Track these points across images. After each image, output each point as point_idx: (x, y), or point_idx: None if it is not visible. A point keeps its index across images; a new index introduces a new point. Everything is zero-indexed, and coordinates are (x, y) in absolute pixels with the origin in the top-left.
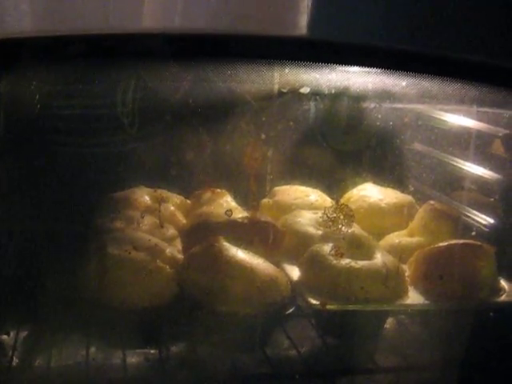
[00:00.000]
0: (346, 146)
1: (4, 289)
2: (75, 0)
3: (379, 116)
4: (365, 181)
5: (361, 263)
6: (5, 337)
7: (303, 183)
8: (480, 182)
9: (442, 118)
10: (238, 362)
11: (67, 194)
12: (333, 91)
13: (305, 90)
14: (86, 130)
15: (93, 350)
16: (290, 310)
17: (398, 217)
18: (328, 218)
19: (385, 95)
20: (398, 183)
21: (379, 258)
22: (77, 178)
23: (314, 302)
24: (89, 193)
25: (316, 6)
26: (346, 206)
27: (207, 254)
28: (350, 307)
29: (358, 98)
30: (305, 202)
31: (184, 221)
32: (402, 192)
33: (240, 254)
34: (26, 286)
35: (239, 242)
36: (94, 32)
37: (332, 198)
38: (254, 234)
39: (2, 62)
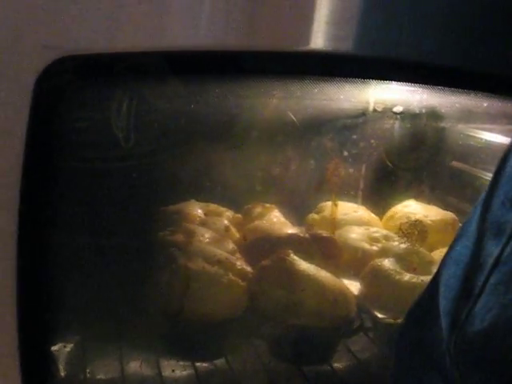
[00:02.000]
0: (409, 163)
1: (65, 298)
2: (80, 18)
3: (452, 135)
4: (408, 198)
5: (422, 278)
6: (60, 348)
7: (347, 199)
8: None
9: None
10: (306, 374)
11: (119, 208)
12: (420, 110)
13: (397, 109)
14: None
15: (163, 363)
16: (358, 324)
17: (443, 233)
18: (403, 233)
19: (464, 115)
20: (440, 200)
21: None
22: (123, 193)
23: (381, 315)
24: (140, 207)
25: (408, 29)
26: (421, 222)
27: (279, 268)
28: None
29: (440, 117)
30: (353, 218)
31: (237, 235)
32: (444, 209)
33: (311, 268)
34: (89, 298)
35: (300, 256)
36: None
37: (377, 215)
38: (315, 248)
39: None
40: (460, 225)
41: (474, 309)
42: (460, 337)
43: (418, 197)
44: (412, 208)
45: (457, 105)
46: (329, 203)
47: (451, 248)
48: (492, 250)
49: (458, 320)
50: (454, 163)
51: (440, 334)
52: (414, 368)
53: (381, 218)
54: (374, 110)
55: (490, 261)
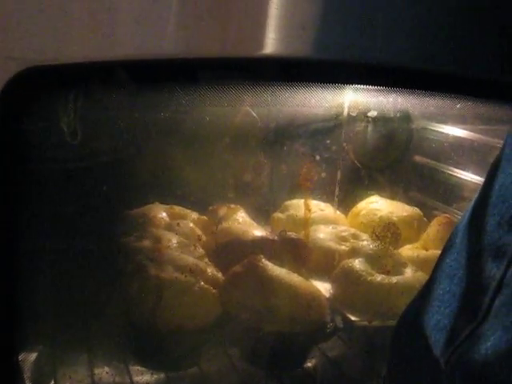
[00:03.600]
0: (377, 163)
1: (31, 306)
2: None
3: (423, 135)
4: (371, 194)
5: (396, 279)
6: (27, 357)
7: (312, 197)
8: None
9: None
10: (280, 380)
11: (81, 211)
12: (394, 114)
13: (372, 113)
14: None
15: (134, 369)
16: (331, 328)
17: (409, 230)
18: (376, 236)
19: (437, 117)
20: (404, 196)
21: (410, 273)
22: (84, 195)
23: (355, 318)
24: (103, 209)
25: (381, 32)
26: (394, 224)
27: (251, 274)
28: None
29: (413, 119)
30: (320, 216)
31: (204, 238)
32: (408, 204)
33: (283, 273)
34: (56, 305)
35: (270, 259)
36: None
37: (344, 213)
38: (284, 251)
39: None
40: (425, 220)
41: (477, 329)
42: (457, 354)
43: (387, 195)
44: (377, 204)
45: (431, 107)
46: (294, 202)
47: (441, 260)
48: (494, 272)
49: (455, 338)
50: (424, 161)
51: (431, 347)
52: (405, 376)
53: (346, 216)
54: (348, 115)
55: (493, 283)
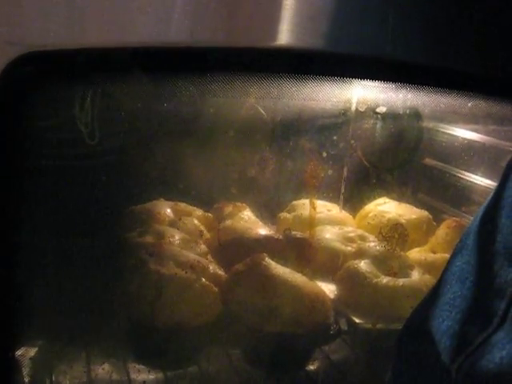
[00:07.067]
0: (386, 163)
1: (30, 301)
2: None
3: (434, 136)
4: (378, 194)
5: (401, 281)
6: (25, 353)
7: (317, 195)
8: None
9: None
10: (280, 382)
11: (86, 207)
12: (404, 111)
13: (381, 109)
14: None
15: (132, 366)
16: (335, 330)
17: (418, 233)
18: (383, 236)
19: (448, 115)
20: (413, 198)
21: (417, 276)
22: (89, 191)
23: (359, 320)
24: (107, 206)
25: (393, 27)
26: (401, 225)
27: (254, 272)
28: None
29: (423, 117)
30: (327, 217)
31: (208, 235)
32: (416, 207)
33: (287, 273)
34: (55, 301)
35: (274, 259)
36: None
37: (352, 213)
38: (289, 250)
39: None
40: (434, 223)
41: (492, 337)
42: (469, 362)
43: (395, 196)
44: (386, 206)
45: (441, 105)
46: (301, 202)
47: (451, 263)
48: (510, 277)
49: (467, 345)
50: (433, 163)
51: (440, 354)
52: (411, 382)
53: (354, 217)
54: (357, 110)
55: (510, 289)
